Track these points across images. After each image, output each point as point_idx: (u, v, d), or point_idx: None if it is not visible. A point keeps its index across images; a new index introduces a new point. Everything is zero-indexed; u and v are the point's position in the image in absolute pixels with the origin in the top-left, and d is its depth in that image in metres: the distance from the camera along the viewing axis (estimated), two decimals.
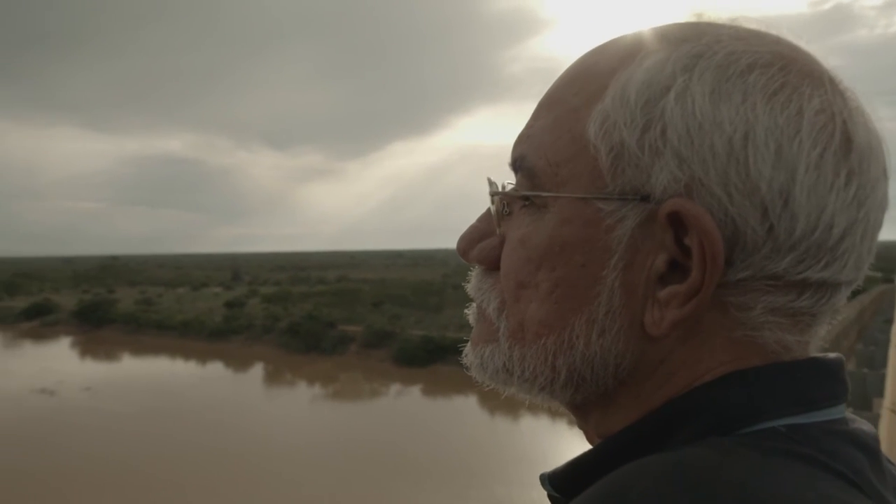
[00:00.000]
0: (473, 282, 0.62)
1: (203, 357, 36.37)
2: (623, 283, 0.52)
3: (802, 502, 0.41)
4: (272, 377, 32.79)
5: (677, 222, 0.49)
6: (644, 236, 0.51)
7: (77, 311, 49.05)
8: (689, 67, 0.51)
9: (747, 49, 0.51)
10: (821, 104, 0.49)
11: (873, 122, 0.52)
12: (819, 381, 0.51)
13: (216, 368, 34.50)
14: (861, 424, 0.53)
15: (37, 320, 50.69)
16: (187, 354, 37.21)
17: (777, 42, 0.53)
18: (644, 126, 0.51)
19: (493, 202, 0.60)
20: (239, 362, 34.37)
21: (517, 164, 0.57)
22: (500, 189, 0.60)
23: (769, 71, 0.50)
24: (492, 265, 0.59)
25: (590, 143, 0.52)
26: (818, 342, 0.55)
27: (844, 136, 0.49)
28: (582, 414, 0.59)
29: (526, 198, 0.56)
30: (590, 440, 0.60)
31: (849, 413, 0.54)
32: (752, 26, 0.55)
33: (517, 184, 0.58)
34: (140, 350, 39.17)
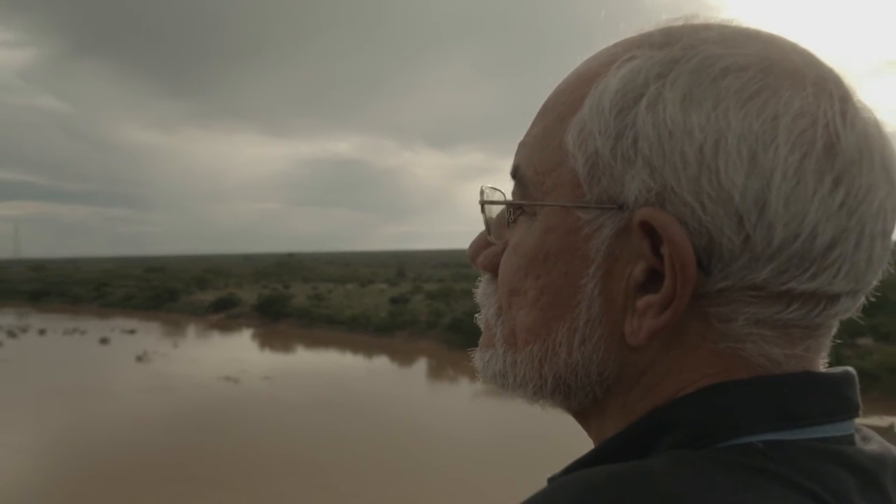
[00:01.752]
0: (480, 288, 0.63)
1: (369, 351, 37.81)
2: (602, 292, 0.52)
3: None
4: (435, 372, 33.50)
5: (652, 231, 0.49)
6: (622, 245, 0.50)
7: (257, 305, 52.61)
8: (662, 74, 0.50)
9: (725, 53, 0.49)
10: (801, 107, 0.47)
11: (875, 125, 0.49)
12: (810, 397, 0.49)
13: (382, 362, 35.76)
14: (869, 445, 0.51)
15: (223, 313, 54.89)
16: (355, 348, 38.84)
17: (768, 42, 0.51)
18: (617, 135, 0.50)
19: (482, 210, 0.61)
20: (403, 357, 35.42)
21: (512, 173, 0.58)
22: (484, 198, 0.61)
23: (745, 75, 0.48)
24: (495, 272, 0.60)
25: (569, 153, 0.52)
26: (821, 354, 0.52)
27: (827, 141, 0.46)
28: (582, 421, 0.59)
29: (520, 207, 0.56)
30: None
31: (866, 432, 0.53)
32: (747, 26, 0.53)
33: (512, 192, 0.58)
34: (312, 343, 41.33)
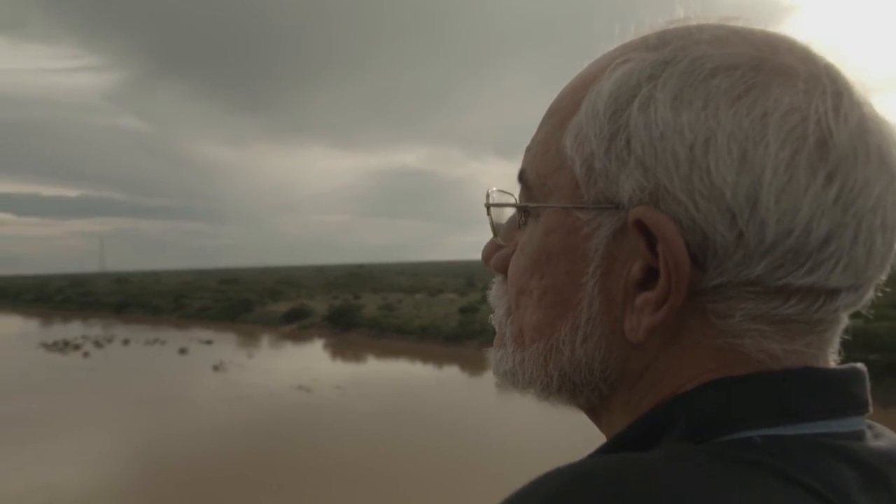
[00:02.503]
0: (493, 290, 0.64)
1: (439, 360, 37.90)
2: (602, 290, 0.53)
3: None
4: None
5: (646, 230, 0.49)
6: (620, 244, 0.52)
7: (328, 315, 53.44)
8: (654, 76, 0.51)
9: (716, 52, 0.50)
10: (791, 104, 0.47)
11: (874, 119, 0.49)
12: (811, 392, 0.49)
13: (452, 371, 35.78)
14: (879, 441, 0.51)
15: (295, 323, 55.94)
16: (425, 357, 39.00)
17: (761, 41, 0.51)
18: (611, 136, 0.51)
19: (488, 213, 0.63)
20: (473, 366, 35.36)
21: (518, 176, 0.59)
22: (489, 201, 0.63)
23: (735, 73, 0.49)
24: (506, 273, 0.61)
25: (567, 156, 0.54)
26: (827, 350, 0.52)
27: (819, 137, 0.47)
28: (594, 418, 0.60)
29: (525, 209, 0.58)
30: None
31: (880, 429, 0.53)
32: (741, 24, 0.53)
33: (519, 195, 0.60)
34: (382, 352, 41.70)
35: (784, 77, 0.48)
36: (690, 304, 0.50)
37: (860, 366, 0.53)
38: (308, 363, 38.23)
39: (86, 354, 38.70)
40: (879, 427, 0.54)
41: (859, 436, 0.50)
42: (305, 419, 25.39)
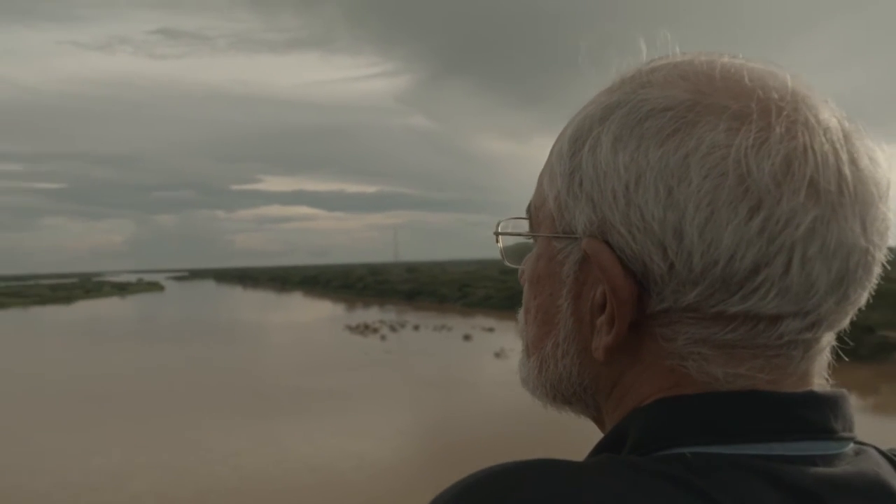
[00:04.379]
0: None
1: None
2: (574, 312, 0.58)
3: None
4: None
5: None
6: (586, 271, 0.56)
7: None
8: (604, 118, 0.55)
9: (655, 95, 0.53)
10: (713, 142, 0.49)
11: (811, 148, 0.49)
12: (752, 414, 0.51)
13: None
14: (833, 468, 0.50)
15: None
16: None
17: (706, 79, 0.53)
18: (570, 175, 0.56)
19: (497, 240, 0.70)
20: None
21: (526, 208, 0.66)
22: (498, 230, 0.71)
23: (666, 115, 0.51)
24: None
25: (546, 192, 0.60)
26: (789, 375, 0.53)
27: (739, 172, 0.48)
28: (599, 427, 0.64)
29: (529, 237, 0.65)
30: None
31: (869, 454, 0.53)
32: (702, 61, 0.55)
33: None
34: None
35: (712, 116, 0.50)
36: (644, 327, 0.54)
37: (819, 390, 0.53)
38: None
39: (383, 338, 42.49)
40: (870, 453, 0.54)
41: (809, 460, 0.50)
42: None
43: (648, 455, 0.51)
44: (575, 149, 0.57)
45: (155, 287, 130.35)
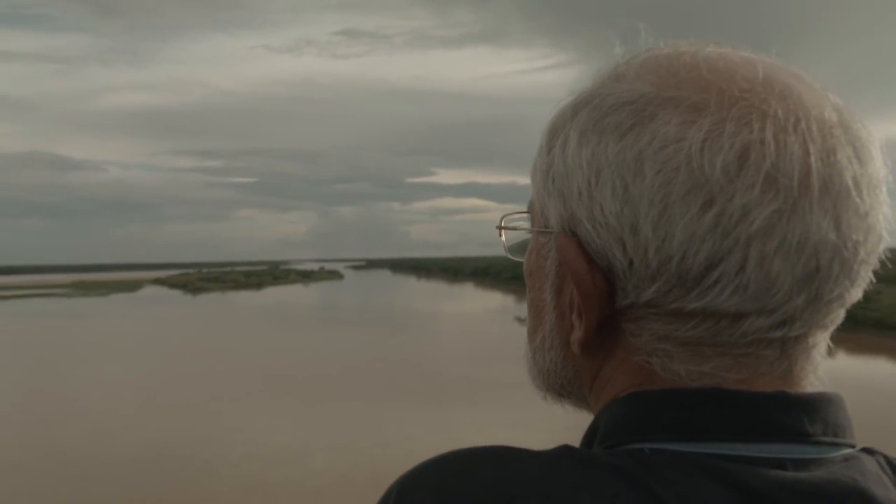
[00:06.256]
0: None
1: None
2: (556, 306, 0.58)
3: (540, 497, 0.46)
4: None
5: None
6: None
7: None
8: (574, 114, 0.55)
9: (620, 90, 0.52)
10: (666, 136, 0.48)
11: (766, 143, 0.47)
12: (713, 413, 0.49)
13: None
14: (804, 473, 0.47)
15: None
16: None
17: (667, 73, 0.52)
18: (545, 170, 0.56)
19: (500, 234, 0.69)
20: None
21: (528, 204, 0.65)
22: (502, 224, 0.70)
23: (626, 109, 0.51)
24: None
25: (532, 187, 0.61)
26: (761, 374, 0.51)
27: (691, 166, 0.47)
28: None
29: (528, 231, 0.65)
30: None
31: (857, 463, 0.50)
32: (682, 50, 0.54)
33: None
34: (854, 347, 37.20)
35: (669, 110, 0.49)
36: (614, 322, 0.53)
37: (792, 392, 0.51)
38: None
39: None
40: (863, 460, 0.51)
41: (775, 463, 0.48)
42: None
43: (613, 449, 0.51)
44: (551, 145, 0.56)
45: (335, 275, 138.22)
